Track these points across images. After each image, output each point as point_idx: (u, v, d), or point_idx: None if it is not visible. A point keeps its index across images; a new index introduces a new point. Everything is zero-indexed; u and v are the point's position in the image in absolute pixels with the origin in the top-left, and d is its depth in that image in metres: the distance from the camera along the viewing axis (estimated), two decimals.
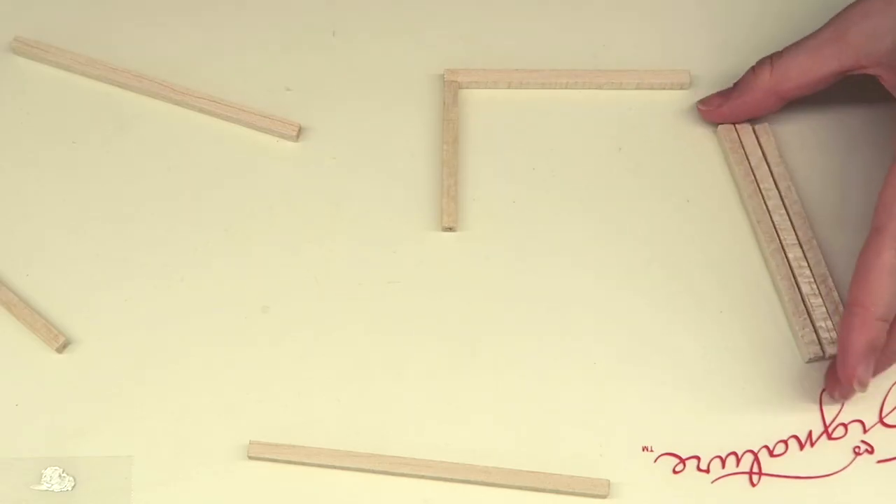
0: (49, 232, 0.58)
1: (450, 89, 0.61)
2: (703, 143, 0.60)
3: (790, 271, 0.56)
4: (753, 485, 0.52)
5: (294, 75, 0.62)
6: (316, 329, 0.55)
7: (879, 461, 0.53)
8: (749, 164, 0.59)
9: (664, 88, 0.62)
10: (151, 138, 0.60)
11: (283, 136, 0.60)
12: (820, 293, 0.55)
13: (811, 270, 0.55)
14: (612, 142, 0.61)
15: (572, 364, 0.55)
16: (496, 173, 0.60)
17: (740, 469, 0.52)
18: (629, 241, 0.58)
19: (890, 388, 0.54)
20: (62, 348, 0.54)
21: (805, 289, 0.55)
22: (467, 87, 0.62)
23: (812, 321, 0.54)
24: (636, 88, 0.62)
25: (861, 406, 0.54)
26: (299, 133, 0.60)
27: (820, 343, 0.54)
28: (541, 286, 0.57)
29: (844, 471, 0.52)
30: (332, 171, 0.60)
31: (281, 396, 0.54)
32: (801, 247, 0.56)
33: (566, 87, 0.62)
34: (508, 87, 0.62)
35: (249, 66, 0.63)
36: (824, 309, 0.54)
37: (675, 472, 0.52)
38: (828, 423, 0.53)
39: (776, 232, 0.57)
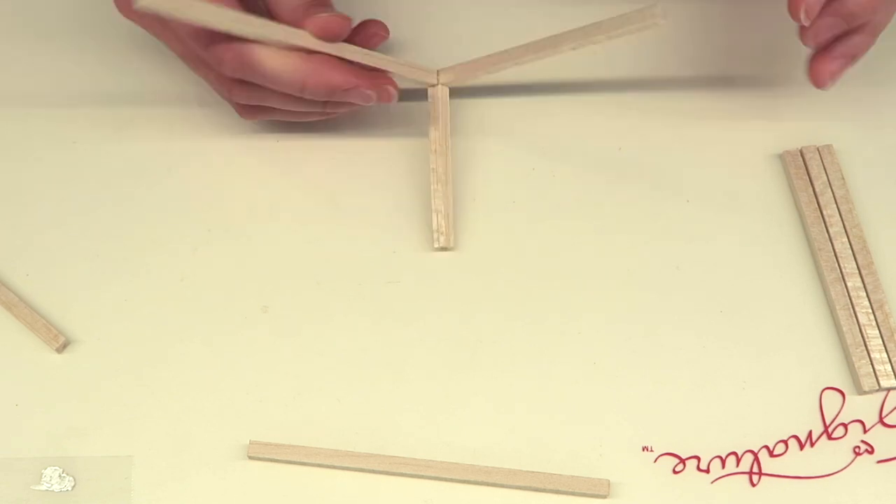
0: (49, 232, 0.58)
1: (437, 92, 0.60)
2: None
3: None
4: (753, 485, 0.52)
5: None
6: (316, 329, 0.55)
7: (879, 461, 0.53)
8: (814, 189, 0.58)
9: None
10: (151, 138, 0.60)
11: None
12: (876, 321, 0.55)
13: (869, 298, 0.56)
14: (613, 144, 0.61)
15: (572, 364, 0.55)
16: (492, 177, 0.60)
17: (740, 469, 0.52)
18: (628, 243, 0.58)
19: (890, 389, 0.54)
20: (62, 348, 0.54)
21: (862, 319, 0.55)
22: (454, 86, 0.60)
23: (868, 353, 0.54)
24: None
25: (861, 406, 0.54)
26: None
27: (875, 376, 0.54)
28: (541, 286, 0.57)
29: (844, 471, 0.52)
30: (332, 171, 0.60)
31: (281, 396, 0.54)
32: (860, 272, 0.56)
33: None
34: (495, 69, 0.59)
35: None
36: (880, 340, 0.55)
37: (675, 472, 0.52)
38: (828, 423, 0.53)
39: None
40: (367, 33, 0.58)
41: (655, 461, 0.53)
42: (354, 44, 0.56)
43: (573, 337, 0.55)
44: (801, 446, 0.53)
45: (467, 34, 0.63)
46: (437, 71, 0.60)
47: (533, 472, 0.51)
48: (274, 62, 0.53)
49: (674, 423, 0.53)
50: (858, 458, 0.53)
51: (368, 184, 0.59)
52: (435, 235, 0.57)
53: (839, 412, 0.54)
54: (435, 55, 0.61)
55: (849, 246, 0.57)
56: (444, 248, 0.57)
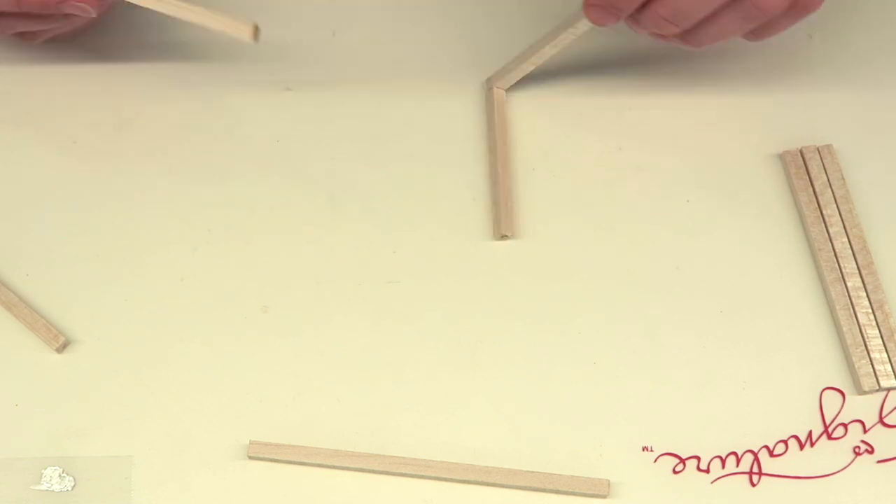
0: (49, 232, 0.58)
1: (492, 96, 0.60)
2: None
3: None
4: (753, 485, 0.52)
5: (294, 75, 0.62)
6: (316, 329, 0.55)
7: (879, 461, 0.53)
8: (814, 189, 0.59)
9: None
10: (151, 137, 0.60)
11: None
12: (876, 321, 0.55)
13: (868, 298, 0.56)
14: (613, 144, 0.61)
15: (572, 364, 0.55)
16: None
17: (740, 469, 0.52)
18: (628, 243, 0.58)
19: (890, 389, 0.54)
20: (62, 348, 0.54)
21: (862, 319, 0.55)
22: (508, 90, 0.61)
23: (868, 353, 0.54)
24: None
25: (861, 406, 0.54)
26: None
27: (875, 376, 0.54)
28: (541, 286, 0.57)
29: (844, 471, 0.52)
30: (332, 171, 0.60)
31: (281, 396, 0.54)
32: (860, 272, 0.56)
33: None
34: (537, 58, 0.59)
35: (250, 65, 0.63)
36: (880, 340, 0.55)
37: (675, 472, 0.52)
38: (828, 423, 0.53)
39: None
40: None
41: (655, 461, 0.53)
42: None
43: (573, 337, 0.55)
44: (801, 446, 0.53)
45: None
46: (488, 79, 0.60)
47: (533, 472, 0.51)
48: None
49: (674, 423, 0.53)
50: (858, 458, 0.53)
51: (368, 183, 0.59)
52: (497, 225, 0.57)
53: (839, 412, 0.54)
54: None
55: (849, 246, 0.57)
56: (504, 237, 0.57)
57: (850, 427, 0.53)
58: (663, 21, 0.52)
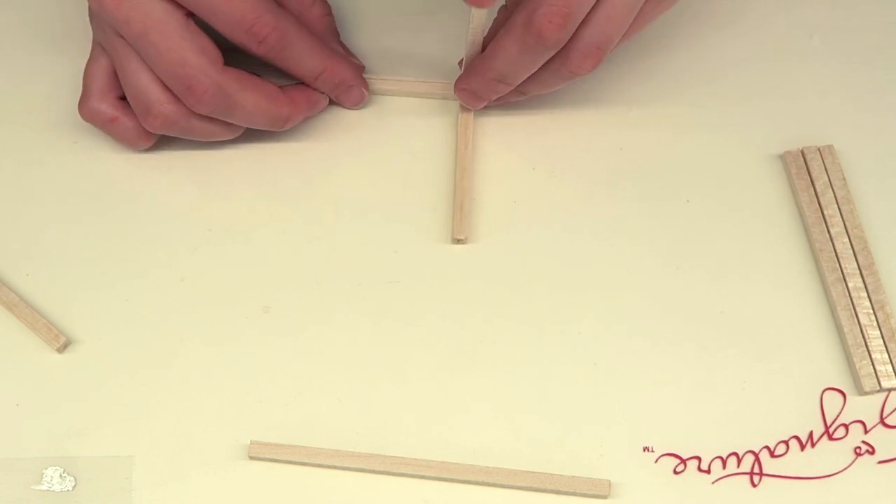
0: (49, 232, 0.58)
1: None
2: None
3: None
4: (754, 485, 0.52)
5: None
6: (316, 329, 0.55)
7: (880, 462, 0.53)
8: (815, 189, 0.58)
9: None
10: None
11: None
12: (878, 321, 0.55)
13: (870, 298, 0.56)
14: (613, 144, 0.61)
15: (573, 364, 0.55)
16: (493, 177, 0.60)
17: (741, 469, 0.52)
18: (629, 243, 0.58)
19: (891, 390, 0.54)
20: (63, 348, 0.54)
21: (863, 320, 0.55)
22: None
23: (869, 353, 0.54)
24: None
25: (862, 407, 0.54)
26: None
27: (876, 376, 0.54)
28: (542, 286, 0.56)
29: (845, 471, 0.52)
30: (332, 171, 0.60)
31: (281, 396, 0.54)
32: (861, 273, 0.56)
33: None
34: None
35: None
36: (881, 341, 0.55)
37: (675, 472, 0.52)
38: (828, 423, 0.53)
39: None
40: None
41: (656, 461, 0.52)
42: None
43: (573, 337, 0.55)
44: (802, 447, 0.53)
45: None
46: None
47: (533, 472, 0.51)
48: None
49: (674, 423, 0.53)
50: (859, 458, 0.53)
51: (368, 183, 0.59)
52: (453, 228, 0.57)
53: (840, 412, 0.54)
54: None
55: (850, 246, 0.57)
56: (459, 241, 0.57)
57: (850, 427, 0.53)
58: (495, 83, 0.56)
